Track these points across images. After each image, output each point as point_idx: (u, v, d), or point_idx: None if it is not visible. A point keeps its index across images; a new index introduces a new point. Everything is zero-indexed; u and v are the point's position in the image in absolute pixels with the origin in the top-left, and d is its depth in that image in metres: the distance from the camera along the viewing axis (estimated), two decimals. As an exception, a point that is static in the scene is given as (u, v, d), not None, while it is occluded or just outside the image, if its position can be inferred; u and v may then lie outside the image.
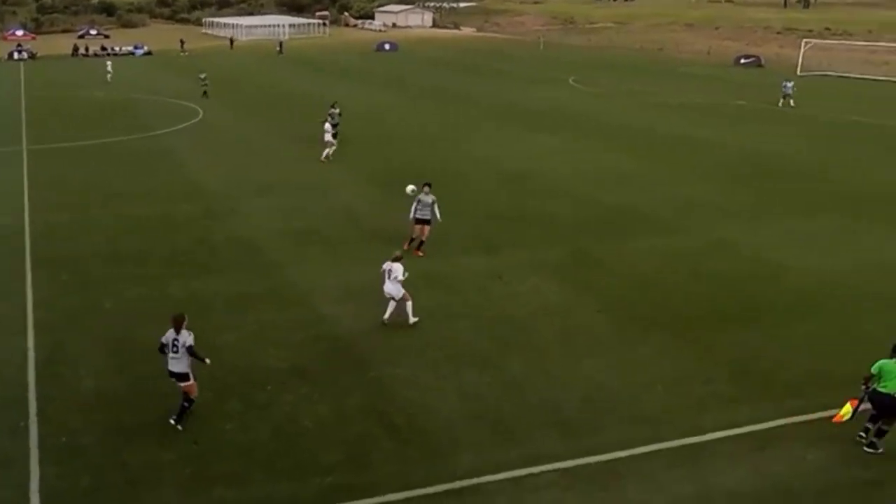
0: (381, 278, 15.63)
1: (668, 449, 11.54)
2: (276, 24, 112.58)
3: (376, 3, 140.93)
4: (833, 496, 10.60)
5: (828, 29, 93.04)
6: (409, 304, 15.53)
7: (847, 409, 11.46)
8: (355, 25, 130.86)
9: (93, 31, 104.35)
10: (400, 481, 10.80)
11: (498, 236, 21.37)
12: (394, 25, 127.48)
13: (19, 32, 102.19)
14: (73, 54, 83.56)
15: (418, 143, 35.12)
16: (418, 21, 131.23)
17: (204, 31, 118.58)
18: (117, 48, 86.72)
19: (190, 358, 11.78)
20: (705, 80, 60.72)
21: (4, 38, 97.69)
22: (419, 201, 19.36)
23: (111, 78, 57.88)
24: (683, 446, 11.61)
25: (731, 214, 23.69)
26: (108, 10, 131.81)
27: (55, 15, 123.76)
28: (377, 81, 59.63)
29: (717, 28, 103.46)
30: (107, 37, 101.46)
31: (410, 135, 37.18)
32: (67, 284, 17.94)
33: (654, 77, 63.26)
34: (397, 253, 15.95)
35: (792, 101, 45.91)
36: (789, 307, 16.77)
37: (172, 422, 11.98)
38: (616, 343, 15.06)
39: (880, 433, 11.43)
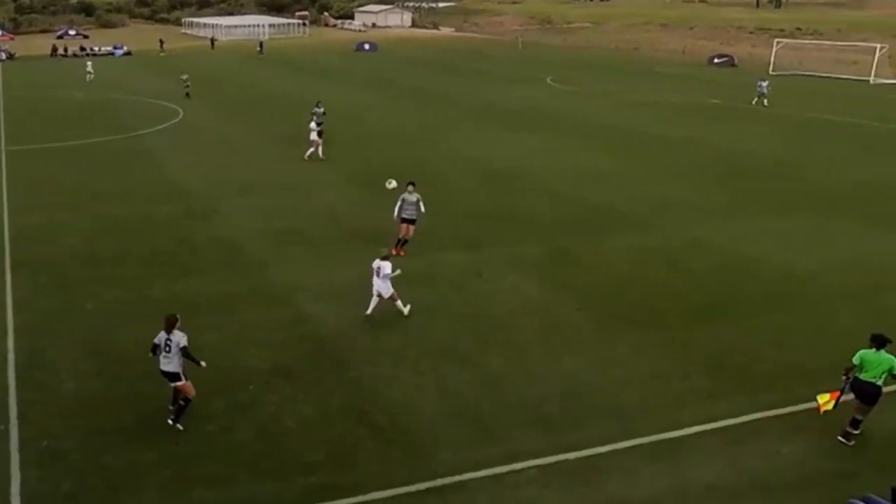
0: (370, 276, 15.78)
1: (646, 444, 11.73)
2: (256, 24, 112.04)
3: (356, 3, 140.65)
4: (808, 489, 10.79)
5: (799, 29, 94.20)
6: (399, 301, 15.84)
7: (829, 400, 11.72)
8: (335, 25, 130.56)
9: (72, 32, 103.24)
10: (383, 480, 10.89)
11: (477, 234, 21.50)
12: (373, 25, 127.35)
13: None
14: (51, 55, 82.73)
15: (398, 142, 35.18)
16: (398, 21, 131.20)
17: (184, 31, 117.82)
18: (96, 48, 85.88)
19: (182, 358, 11.80)
20: (680, 80, 61.26)
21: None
22: (403, 200, 19.39)
23: (92, 78, 57.49)
24: (661, 441, 11.79)
25: (707, 212, 23.99)
26: (87, 10, 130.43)
27: (33, 15, 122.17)
28: (357, 81, 59.58)
29: (691, 28, 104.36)
30: (86, 37, 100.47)
31: (390, 135, 37.23)
32: (47, 287, 17.84)
33: (630, 76, 63.73)
34: (385, 251, 16.10)
35: (766, 101, 46.44)
36: (763, 303, 17.04)
37: (170, 422, 12.00)
38: (594, 340, 15.24)
39: (855, 423, 11.70)
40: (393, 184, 20.51)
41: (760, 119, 42.33)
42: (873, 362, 11.41)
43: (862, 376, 11.51)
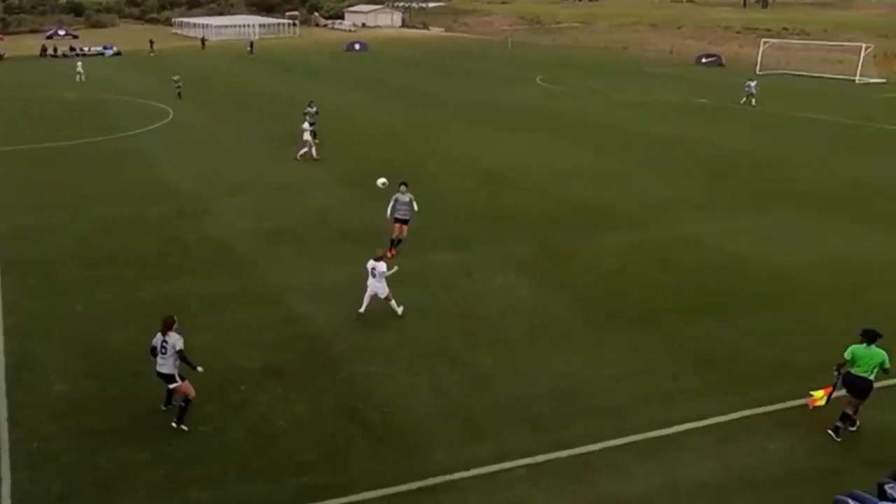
0: (365, 278, 15.85)
1: (637, 441, 11.79)
2: (247, 25, 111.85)
3: (346, 3, 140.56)
4: (797, 485, 10.87)
5: (785, 28, 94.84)
6: (393, 300, 15.91)
7: (821, 396, 11.85)
8: (325, 25, 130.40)
9: (61, 32, 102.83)
10: (375, 479, 10.91)
11: (468, 234, 21.55)
12: (363, 25, 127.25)
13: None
14: (41, 55, 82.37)
15: (388, 142, 35.20)
16: (388, 21, 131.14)
17: (174, 31, 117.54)
18: (86, 48, 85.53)
19: (178, 361, 11.80)
20: (669, 79, 61.48)
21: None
22: (396, 200, 19.36)
23: (84, 78, 57.40)
24: (652, 439, 11.86)
25: (696, 210, 24.13)
26: (77, 11, 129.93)
27: (22, 15, 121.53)
28: (347, 81, 59.55)
29: (679, 28, 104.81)
30: (75, 37, 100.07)
31: (380, 134, 37.24)
32: (37, 288, 17.79)
33: (619, 76, 63.93)
34: (380, 251, 16.14)
35: (753, 101, 46.67)
36: (752, 300, 17.15)
37: (174, 425, 11.98)
38: (585, 338, 15.31)
39: (845, 417, 11.82)
40: (383, 182, 20.56)
41: (748, 118, 42.55)
42: (865, 357, 11.55)
43: (854, 371, 11.65)
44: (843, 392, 11.86)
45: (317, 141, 31.17)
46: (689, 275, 18.68)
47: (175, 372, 11.87)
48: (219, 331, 15.42)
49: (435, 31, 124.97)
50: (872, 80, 60.04)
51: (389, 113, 44.43)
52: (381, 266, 15.64)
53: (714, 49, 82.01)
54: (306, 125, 31.31)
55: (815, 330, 15.49)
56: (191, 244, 20.89)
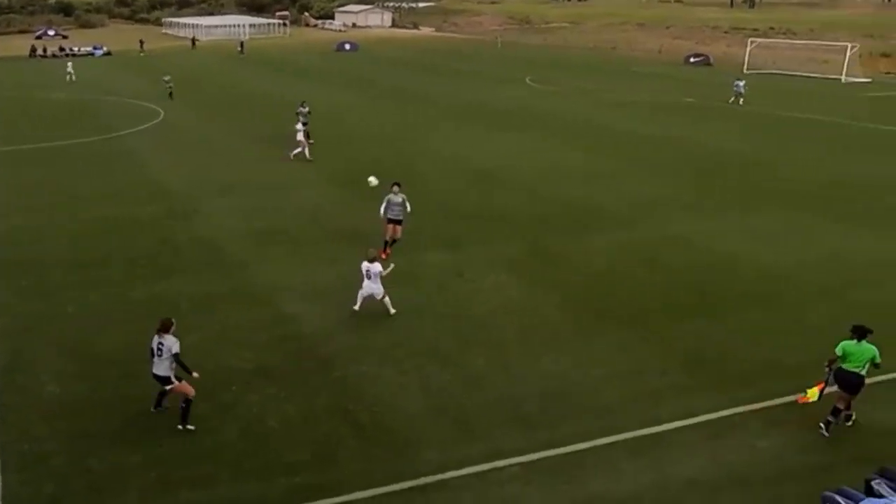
0: (360, 279, 15.90)
1: (627, 439, 11.87)
2: (237, 25, 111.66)
3: (336, 3, 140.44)
4: (786, 482, 10.96)
5: (772, 28, 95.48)
6: (387, 298, 15.96)
7: (814, 392, 11.97)
8: (315, 25, 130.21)
9: (51, 32, 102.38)
10: (366, 479, 10.94)
11: (459, 234, 21.61)
12: (354, 25, 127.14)
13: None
14: (30, 55, 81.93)
15: (379, 142, 35.21)
16: (378, 21, 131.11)
17: (164, 31, 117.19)
18: (76, 49, 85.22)
19: (174, 363, 11.80)
20: (657, 79, 61.70)
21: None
22: (389, 201, 19.30)
23: (74, 79, 57.28)
24: (642, 436, 11.95)
25: (685, 209, 24.26)
26: (66, 11, 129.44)
27: (11, 15, 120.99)
28: (338, 81, 59.51)
29: (667, 27, 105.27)
30: (65, 37, 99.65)
31: (371, 134, 37.25)
32: (28, 289, 17.73)
33: (608, 76, 64.13)
34: (373, 252, 16.18)
35: (741, 101, 46.91)
36: (740, 299, 17.27)
37: (180, 427, 11.98)
38: (574, 337, 15.38)
39: (836, 412, 11.95)
40: (374, 181, 20.59)
41: (736, 117, 42.78)
42: (856, 353, 11.70)
43: (845, 366, 11.79)
44: (834, 388, 11.98)
45: (311, 141, 31.24)
46: (677, 274, 18.79)
47: (171, 374, 11.87)
48: (210, 331, 15.41)
49: (425, 31, 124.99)
50: (858, 80, 60.45)
51: (380, 113, 44.44)
52: (375, 267, 15.68)
53: (702, 49, 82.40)
54: (299, 125, 31.30)
55: (803, 328, 15.62)
56: (181, 244, 20.87)
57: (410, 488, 10.81)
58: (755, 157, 32.13)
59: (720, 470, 11.20)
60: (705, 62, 74.41)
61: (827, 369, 11.93)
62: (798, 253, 20.24)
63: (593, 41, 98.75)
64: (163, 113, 43.01)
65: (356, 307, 16.03)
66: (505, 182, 27.72)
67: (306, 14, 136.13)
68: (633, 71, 68.11)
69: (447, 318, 16.26)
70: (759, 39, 75.48)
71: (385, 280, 15.98)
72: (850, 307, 16.04)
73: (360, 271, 15.89)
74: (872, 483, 9.55)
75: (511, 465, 11.24)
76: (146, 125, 39.44)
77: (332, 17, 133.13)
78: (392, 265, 16.26)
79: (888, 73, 66.93)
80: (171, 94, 48.71)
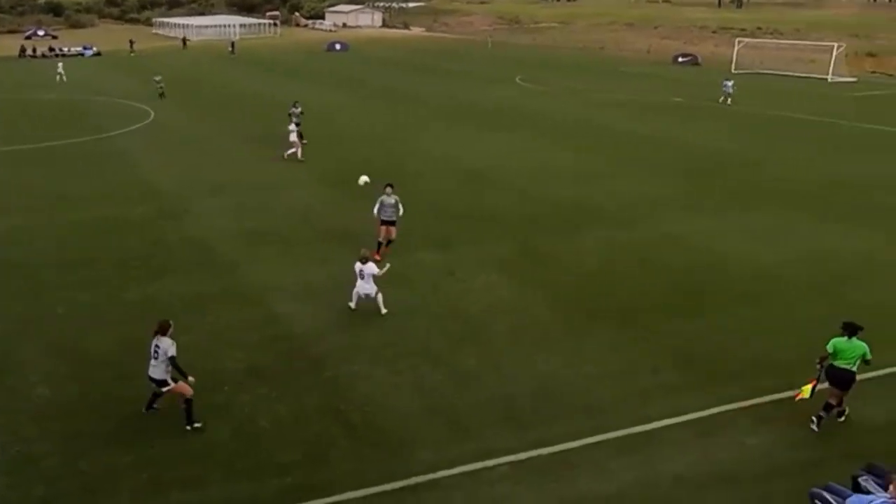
0: (354, 280, 15.94)
1: (616, 438, 11.93)
2: (227, 25, 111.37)
3: (327, 3, 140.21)
4: (774, 478, 11.04)
5: (759, 28, 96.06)
6: (380, 296, 16.00)
7: (807, 389, 12.05)
8: (306, 25, 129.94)
9: (40, 32, 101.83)
10: (358, 479, 10.96)
11: (450, 234, 21.65)
12: (344, 25, 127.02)
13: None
14: (20, 55, 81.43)
15: (370, 142, 35.22)
16: (368, 21, 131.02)
17: (154, 31, 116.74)
18: (66, 49, 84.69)
19: (169, 366, 11.79)
20: (646, 79, 61.87)
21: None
22: (382, 202, 19.22)
23: (64, 79, 57.04)
24: (631, 435, 12.01)
25: (675, 208, 24.37)
26: (56, 11, 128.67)
27: (1, 15, 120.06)
28: (328, 81, 59.45)
29: (656, 27, 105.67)
30: (55, 37, 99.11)
31: (361, 134, 37.25)
32: (18, 291, 17.66)
33: (597, 75, 64.30)
34: (365, 252, 16.20)
35: (729, 100, 47.11)
36: (730, 297, 17.38)
37: (189, 428, 11.99)
38: (565, 337, 15.44)
39: (828, 407, 12.06)
40: (365, 180, 20.61)
41: (725, 117, 42.97)
42: (847, 350, 11.81)
43: (836, 363, 11.90)
44: (826, 384, 12.08)
45: (304, 142, 31.22)
46: (667, 273, 18.87)
47: (167, 377, 11.87)
48: (202, 332, 15.37)
49: (415, 31, 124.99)
50: (844, 79, 60.81)
51: (370, 113, 44.44)
52: (369, 268, 15.73)
53: (690, 49, 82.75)
54: (292, 126, 31.26)
55: (793, 326, 15.71)
56: (172, 244, 20.83)
57: (402, 488, 10.84)
58: (745, 157, 32.30)
59: (709, 467, 11.27)
60: (693, 62, 74.72)
61: (818, 366, 12.04)
62: (787, 251, 20.36)
63: (582, 41, 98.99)
64: (153, 113, 42.89)
65: (352, 305, 16.11)
66: (495, 182, 27.78)
67: (297, 14, 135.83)
68: (621, 71, 68.30)
69: (439, 317, 16.29)
70: (746, 39, 75.84)
71: (377, 280, 16.02)
72: (840, 305, 16.17)
73: (353, 272, 15.92)
74: (859, 479, 9.64)
75: (501, 465, 11.28)
76: (137, 125, 39.32)
77: (323, 17, 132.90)
78: (388, 265, 16.31)
79: (873, 72, 67.37)
80: (161, 94, 48.62)
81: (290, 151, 30.57)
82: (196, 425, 12.02)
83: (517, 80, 60.36)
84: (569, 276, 18.66)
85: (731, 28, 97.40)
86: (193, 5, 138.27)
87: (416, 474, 11.08)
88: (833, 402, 12.07)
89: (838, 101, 49.98)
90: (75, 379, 13.65)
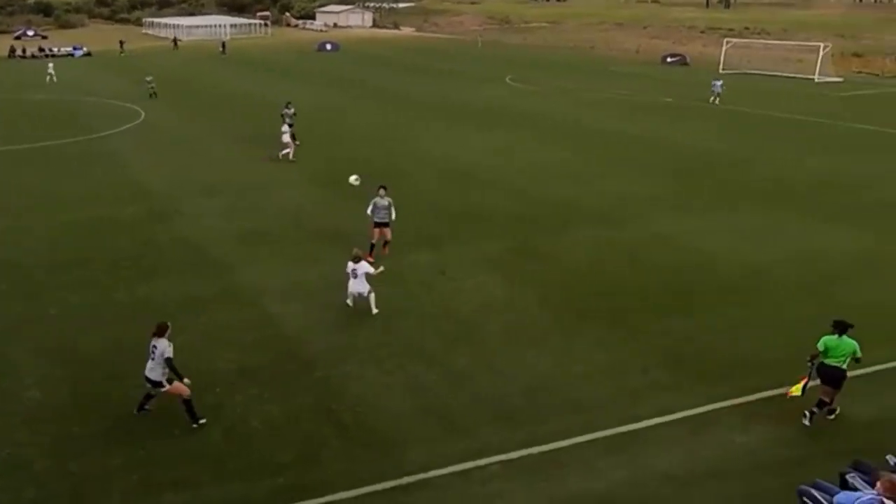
0: (346, 280, 15.97)
1: (606, 437, 12.01)
2: (218, 25, 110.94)
3: (317, 4, 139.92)
4: (762, 476, 11.13)
5: (747, 28, 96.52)
6: (373, 295, 16.04)
7: (798, 387, 12.17)
8: (297, 25, 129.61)
9: (30, 32, 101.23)
10: (350, 479, 11.01)
11: (441, 233, 21.71)
12: (335, 25, 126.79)
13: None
14: (9, 56, 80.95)
15: (361, 142, 35.21)
16: (359, 21, 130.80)
17: (144, 31, 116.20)
18: (56, 49, 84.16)
19: (165, 368, 11.80)
20: (635, 78, 61.98)
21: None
22: (375, 204, 19.20)
23: (55, 79, 56.85)
24: (621, 434, 12.10)
25: (665, 208, 24.48)
26: (45, 11, 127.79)
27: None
28: (319, 81, 59.36)
29: (645, 27, 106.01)
30: (45, 38, 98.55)
31: (353, 135, 37.24)
32: (8, 292, 17.62)
33: (587, 75, 64.38)
34: (356, 251, 16.23)
35: (718, 100, 47.30)
36: (720, 296, 17.49)
37: (195, 426, 12.02)
38: (556, 335, 15.53)
39: (821, 404, 12.18)
40: (356, 179, 20.62)
41: (714, 116, 43.13)
42: (837, 347, 11.95)
43: (827, 361, 12.03)
44: (817, 382, 12.21)
45: (297, 143, 31.22)
46: (657, 272, 18.97)
47: (163, 379, 11.88)
48: (194, 332, 15.33)
49: (406, 30, 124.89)
50: (830, 79, 61.07)
51: (361, 113, 44.42)
52: (361, 267, 15.78)
53: (679, 48, 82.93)
54: (285, 127, 31.24)
55: (782, 324, 15.83)
56: (164, 245, 20.82)
57: (394, 488, 10.88)
58: (733, 157, 32.45)
59: (698, 465, 11.35)
60: (682, 62, 74.89)
61: (809, 364, 12.16)
62: (777, 250, 20.49)
63: (572, 41, 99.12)
64: (143, 113, 42.79)
65: (349, 303, 16.21)
66: (486, 181, 27.84)
67: (287, 14, 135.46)
68: (611, 70, 68.43)
69: (431, 316, 16.35)
70: (734, 39, 76.08)
71: (371, 279, 16.06)
72: (829, 304, 16.27)
73: (345, 272, 15.95)
74: (847, 476, 9.72)
75: (492, 464, 11.34)
76: (127, 126, 39.22)
77: (313, 18, 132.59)
78: (382, 268, 16.36)
79: (859, 72, 67.71)
80: (153, 94, 48.53)
81: (283, 152, 30.57)
82: (202, 421, 12.08)
83: (507, 79, 60.42)
84: (560, 275, 18.74)
85: (720, 28, 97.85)
86: (184, 5, 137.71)
87: (408, 474, 11.12)
88: (826, 399, 12.19)
89: (825, 101, 50.25)
90: (67, 380, 13.65)
